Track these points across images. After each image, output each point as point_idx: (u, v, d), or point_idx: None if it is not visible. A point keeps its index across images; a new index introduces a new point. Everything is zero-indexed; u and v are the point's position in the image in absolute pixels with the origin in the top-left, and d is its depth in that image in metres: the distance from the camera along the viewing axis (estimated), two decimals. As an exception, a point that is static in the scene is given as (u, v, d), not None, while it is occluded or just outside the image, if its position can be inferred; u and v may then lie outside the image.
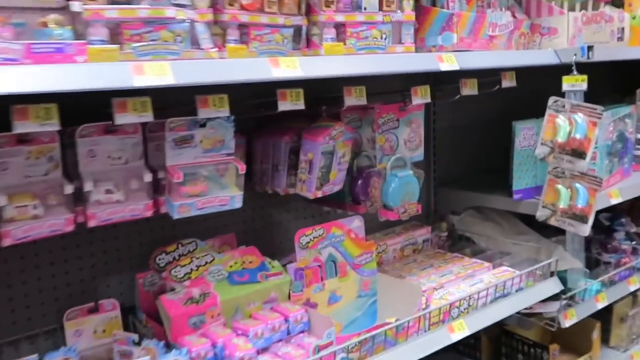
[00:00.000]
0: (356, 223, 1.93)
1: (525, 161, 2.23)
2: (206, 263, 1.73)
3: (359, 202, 2.03)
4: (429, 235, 2.43)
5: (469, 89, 1.93)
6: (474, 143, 2.76)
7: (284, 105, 1.52)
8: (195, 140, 1.51)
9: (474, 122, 2.74)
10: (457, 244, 2.52)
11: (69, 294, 1.77)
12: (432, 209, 2.65)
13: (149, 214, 1.50)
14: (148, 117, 1.29)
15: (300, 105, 1.55)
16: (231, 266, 1.75)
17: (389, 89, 2.28)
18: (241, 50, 1.39)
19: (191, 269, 1.70)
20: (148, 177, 1.48)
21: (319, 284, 1.83)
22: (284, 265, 1.81)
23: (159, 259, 1.79)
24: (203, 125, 1.51)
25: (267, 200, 2.16)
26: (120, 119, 1.25)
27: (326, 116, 1.84)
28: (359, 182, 2.01)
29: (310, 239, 1.81)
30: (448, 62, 1.66)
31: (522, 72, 2.17)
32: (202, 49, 1.32)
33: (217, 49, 1.35)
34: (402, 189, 1.92)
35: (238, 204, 1.56)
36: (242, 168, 1.54)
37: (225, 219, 2.07)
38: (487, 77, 2.07)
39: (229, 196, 1.53)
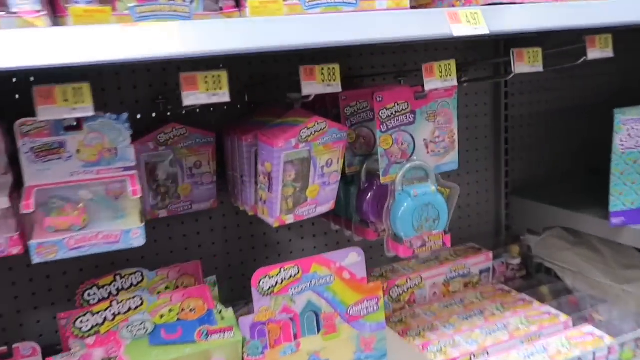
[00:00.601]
0: (352, 258, 1.37)
1: (631, 170, 1.50)
2: (129, 310, 1.28)
3: (368, 225, 1.47)
4: (489, 263, 1.78)
5: (527, 64, 1.26)
6: (565, 136, 2.02)
7: (192, 98, 1.00)
8: (68, 150, 1.05)
9: (565, 109, 2.00)
10: (534, 276, 1.84)
11: (-18, 332, 1.43)
12: (502, 227, 1.98)
13: (16, 250, 1.07)
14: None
15: (223, 96, 1.01)
16: (162, 316, 1.28)
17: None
18: (99, 15, 0.89)
19: (104, 319, 1.26)
20: (4, 203, 1.04)
21: (290, 344, 1.31)
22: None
23: (89, 295, 1.39)
24: (76, 128, 1.04)
25: (257, 214, 1.66)
26: None
27: (301, 108, 1.29)
28: (368, 195, 1.45)
29: (277, 282, 1.29)
30: (468, 24, 1.02)
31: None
32: (14, 12, 0.84)
33: (45, 13, 0.86)
34: (418, 212, 1.31)
35: (137, 240, 1.07)
36: (135, 191, 1.05)
37: (198, 239, 1.61)
38: (567, 44, 1.37)
39: (120, 230, 1.05)
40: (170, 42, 0.86)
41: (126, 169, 1.09)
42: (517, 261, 1.84)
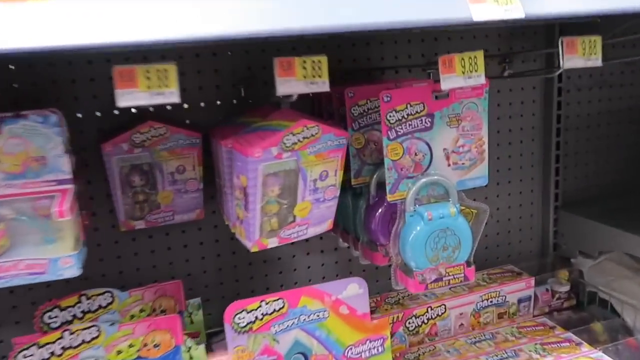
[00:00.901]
0: (352, 290, 1.14)
1: None
2: (82, 343, 1.09)
3: (377, 247, 1.22)
4: (531, 291, 1.50)
5: (581, 56, 0.97)
6: (630, 142, 1.71)
7: (129, 97, 0.78)
8: (-17, 158, 0.85)
9: (631, 108, 1.69)
10: (585, 308, 1.55)
11: (-63, 352, 1.28)
12: (549, 247, 1.68)
13: None
14: None
15: (170, 96, 0.79)
16: (120, 352, 1.08)
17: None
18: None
19: (51, 353, 1.07)
20: None
21: (272, 391, 1.09)
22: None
23: (49, 318, 1.21)
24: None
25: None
26: None
27: (289, 108, 1.05)
28: (378, 212, 1.20)
29: (256, 317, 1.07)
30: (496, 3, 0.76)
31: None
32: None
33: None
34: (433, 239, 1.06)
35: (68, 270, 0.87)
36: (61, 212, 0.84)
37: (185, 253, 1.41)
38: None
39: (47, 259, 0.85)
40: (85, 26, 0.64)
41: (60, 182, 0.88)
42: (565, 288, 1.55)
